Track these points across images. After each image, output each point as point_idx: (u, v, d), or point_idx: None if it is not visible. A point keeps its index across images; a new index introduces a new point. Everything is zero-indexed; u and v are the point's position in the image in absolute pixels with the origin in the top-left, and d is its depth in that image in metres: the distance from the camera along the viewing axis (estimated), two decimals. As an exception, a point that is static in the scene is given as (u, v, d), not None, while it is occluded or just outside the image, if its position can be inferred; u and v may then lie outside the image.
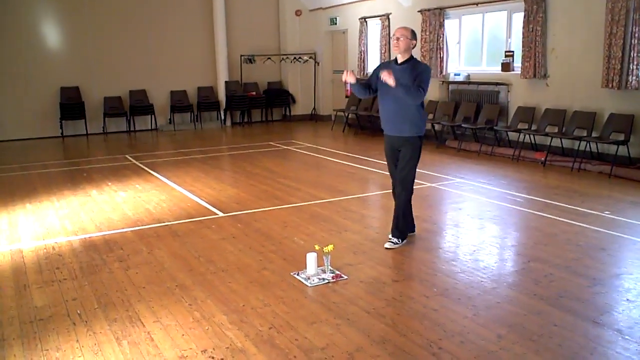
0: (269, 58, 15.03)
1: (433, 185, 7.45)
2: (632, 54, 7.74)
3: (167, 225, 5.89)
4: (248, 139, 12.35)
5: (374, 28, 13.16)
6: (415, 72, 4.83)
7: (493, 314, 3.72)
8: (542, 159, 8.72)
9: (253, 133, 13.41)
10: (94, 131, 13.32)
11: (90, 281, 4.40)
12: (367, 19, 13.15)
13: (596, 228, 5.48)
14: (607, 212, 5.98)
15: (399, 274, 4.52)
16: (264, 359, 3.19)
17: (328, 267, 4.41)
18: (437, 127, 10.96)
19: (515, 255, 4.95)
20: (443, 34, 10.92)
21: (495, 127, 9.68)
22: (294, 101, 15.49)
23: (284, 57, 15.21)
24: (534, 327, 3.51)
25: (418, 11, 11.38)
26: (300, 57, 15.14)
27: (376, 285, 4.24)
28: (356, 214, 6.21)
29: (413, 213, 5.29)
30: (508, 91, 9.82)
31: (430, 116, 10.84)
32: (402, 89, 4.70)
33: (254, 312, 3.79)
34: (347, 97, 13.75)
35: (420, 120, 4.94)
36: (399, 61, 4.96)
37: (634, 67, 7.74)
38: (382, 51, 12.57)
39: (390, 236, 5.11)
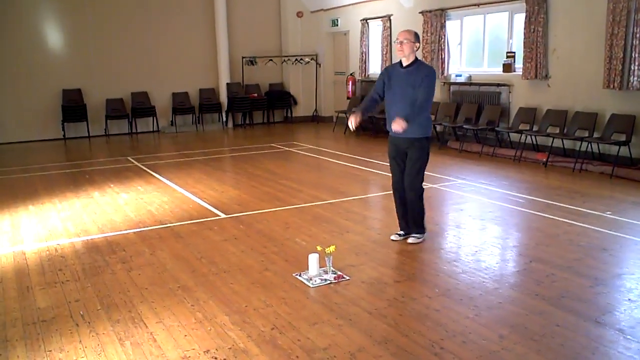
0: (271, 60, 15.06)
1: (435, 186, 7.46)
2: (633, 54, 7.74)
3: (169, 226, 5.90)
4: (250, 141, 12.37)
5: (376, 29, 13.18)
6: (420, 75, 4.88)
7: (495, 314, 3.72)
8: (544, 159, 8.72)
9: (255, 135, 13.43)
10: (96, 133, 13.35)
11: (93, 282, 4.42)
12: (368, 20, 13.17)
13: (598, 228, 5.48)
14: (608, 213, 5.98)
15: (401, 275, 4.52)
16: (266, 359, 3.20)
17: (330, 268, 4.42)
18: (438, 128, 10.96)
19: (517, 256, 4.95)
20: (444, 35, 10.93)
21: (496, 128, 9.69)
22: (295, 103, 15.51)
23: (286, 58, 15.23)
24: (536, 327, 3.51)
25: (419, 12, 11.40)
26: (301, 59, 15.16)
27: (378, 285, 4.24)
28: (358, 215, 6.22)
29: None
30: (509, 92, 9.83)
31: (432, 117, 10.85)
32: (413, 113, 4.83)
33: (256, 312, 3.80)
34: (348, 98, 13.77)
35: (426, 121, 5.01)
36: (404, 64, 4.99)
37: (635, 67, 7.74)
38: (384, 52, 12.58)
39: (411, 233, 5.24)
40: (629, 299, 3.91)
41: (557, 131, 8.77)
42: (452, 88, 10.97)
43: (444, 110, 10.86)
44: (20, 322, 3.76)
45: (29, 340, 3.51)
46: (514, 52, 9.80)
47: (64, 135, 13.01)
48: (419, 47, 5.00)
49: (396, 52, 5.05)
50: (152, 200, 7.05)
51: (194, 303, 3.98)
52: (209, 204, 6.79)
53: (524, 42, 9.28)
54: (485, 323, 3.59)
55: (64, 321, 3.75)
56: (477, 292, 4.06)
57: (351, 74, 13.88)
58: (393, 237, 5.28)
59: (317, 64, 15.29)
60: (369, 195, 7.35)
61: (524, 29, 9.26)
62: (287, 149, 11.00)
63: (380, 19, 12.68)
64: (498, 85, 9.99)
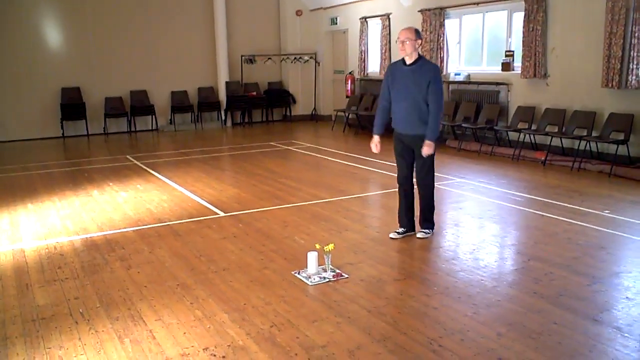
0: (270, 58, 15.05)
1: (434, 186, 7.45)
2: (632, 53, 7.76)
3: (168, 224, 5.91)
4: (248, 139, 12.37)
5: (375, 28, 13.18)
6: (426, 76, 4.91)
7: (493, 312, 3.74)
8: (542, 158, 8.73)
9: (253, 133, 13.43)
10: (95, 132, 13.35)
11: (92, 280, 4.42)
12: (367, 19, 13.17)
13: (596, 227, 5.50)
14: (607, 211, 5.99)
15: (400, 273, 4.53)
16: (265, 356, 3.21)
17: (329, 266, 4.43)
18: (437, 126, 10.96)
19: (515, 254, 4.97)
20: (443, 34, 10.94)
21: (495, 127, 9.70)
22: (294, 101, 15.51)
23: (285, 57, 15.23)
24: (534, 325, 3.53)
25: (418, 11, 11.40)
26: (300, 57, 15.16)
27: (377, 284, 4.25)
28: (357, 214, 6.23)
29: (414, 212, 5.36)
30: (508, 91, 9.84)
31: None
32: (435, 125, 4.96)
33: (255, 310, 3.81)
34: (347, 97, 13.77)
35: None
36: (407, 62, 5.00)
37: (634, 66, 7.76)
38: (383, 51, 12.59)
39: (420, 228, 5.31)
40: (627, 297, 3.92)
41: (556, 130, 8.78)
42: (451, 87, 10.98)
43: (443, 109, 10.85)
44: (20, 319, 3.77)
45: (28, 337, 3.52)
46: (513, 51, 9.81)
47: (63, 134, 13.01)
48: (421, 44, 5.01)
49: (398, 51, 5.06)
50: (151, 198, 7.06)
51: (193, 301, 3.99)
52: (208, 202, 6.79)
53: (523, 41, 9.29)
54: (483, 321, 3.60)
55: (63, 319, 3.76)
56: (475, 290, 4.08)
57: (350, 73, 13.88)
58: (392, 235, 5.28)
59: (316, 62, 15.30)
60: (367, 194, 7.36)
61: (523, 27, 9.27)
62: (286, 147, 11.01)
63: (380, 17, 12.69)
64: (497, 84, 10.00)
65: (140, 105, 13.64)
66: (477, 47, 10.80)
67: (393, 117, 5.18)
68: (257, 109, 15.12)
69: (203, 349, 3.31)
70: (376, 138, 5.24)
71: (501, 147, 9.66)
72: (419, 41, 4.96)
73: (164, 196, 7.15)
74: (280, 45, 15.44)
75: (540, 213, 6.05)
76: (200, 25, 14.37)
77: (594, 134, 8.29)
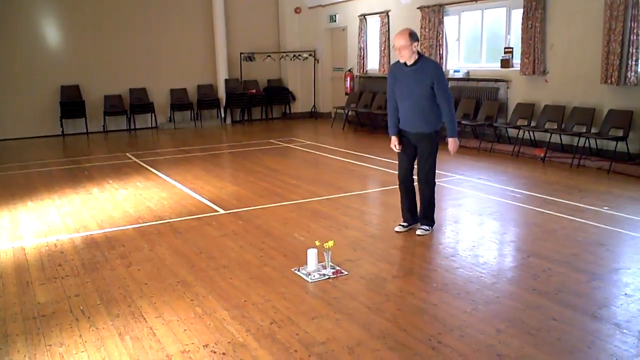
0: (269, 56, 15.05)
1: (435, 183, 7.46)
2: (630, 49, 7.76)
3: (168, 222, 5.92)
4: (248, 137, 12.37)
5: (374, 25, 13.17)
6: (428, 75, 4.93)
7: (492, 309, 3.75)
8: (542, 155, 8.74)
9: (253, 131, 13.43)
10: (94, 129, 13.35)
11: (93, 278, 4.43)
12: (366, 16, 13.16)
13: (595, 223, 5.51)
14: (606, 208, 6.00)
15: (399, 270, 4.55)
16: (265, 353, 3.22)
17: (328, 263, 4.44)
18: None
19: (514, 251, 4.98)
20: (442, 31, 10.94)
21: (494, 124, 9.71)
22: (293, 99, 15.51)
23: (284, 54, 15.22)
24: (533, 321, 3.54)
25: (417, 8, 11.40)
26: (300, 55, 15.16)
27: (376, 280, 4.27)
28: (356, 211, 6.24)
29: (417, 206, 5.42)
30: (507, 87, 9.84)
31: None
32: (453, 123, 5.10)
33: (255, 307, 3.82)
34: (346, 94, 13.77)
35: (435, 117, 5.10)
36: (408, 64, 5.00)
37: (633, 63, 7.76)
38: (382, 48, 12.59)
39: (420, 225, 5.33)
40: (626, 294, 3.93)
41: (555, 127, 8.79)
42: (450, 84, 10.96)
43: (453, 103, 10.85)
44: (21, 316, 3.78)
45: (29, 334, 3.53)
46: (512, 48, 9.81)
47: (62, 132, 13.01)
48: (418, 44, 5.00)
49: (398, 57, 5.06)
50: (151, 196, 7.07)
51: (193, 298, 4.00)
52: (207, 199, 6.80)
53: (522, 38, 9.29)
54: (482, 317, 3.61)
55: (63, 316, 3.77)
56: (474, 287, 4.09)
57: (349, 70, 13.88)
58: (397, 229, 5.35)
59: (315, 60, 15.29)
60: (367, 191, 7.37)
61: (522, 24, 9.27)
62: (285, 145, 11.01)
63: (378, 14, 12.68)
64: (496, 80, 10.00)
65: (140, 103, 13.63)
66: (476, 44, 10.80)
67: (400, 118, 5.23)
68: (256, 107, 15.12)
69: (203, 346, 3.32)
70: (394, 139, 5.26)
71: (500, 144, 9.67)
72: (416, 43, 4.95)
73: (164, 194, 7.16)
74: (279, 42, 15.44)
75: (540, 210, 6.06)
76: (199, 23, 14.36)
77: (593, 130, 8.30)
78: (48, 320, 3.72)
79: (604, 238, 5.13)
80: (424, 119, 5.05)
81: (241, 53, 14.76)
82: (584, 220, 5.61)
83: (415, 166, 5.29)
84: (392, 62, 12.06)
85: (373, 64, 13.31)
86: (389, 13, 12.36)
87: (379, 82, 12.61)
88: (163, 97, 14.14)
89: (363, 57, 13.39)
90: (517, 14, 9.56)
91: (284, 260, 4.70)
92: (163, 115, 14.17)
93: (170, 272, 4.51)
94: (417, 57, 4.99)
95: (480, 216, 5.95)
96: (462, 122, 10.11)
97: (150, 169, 8.82)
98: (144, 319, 3.69)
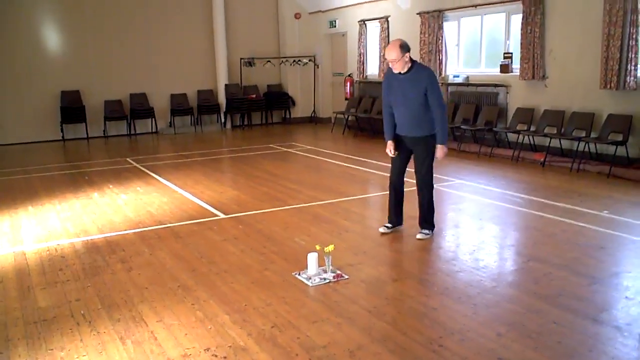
0: (269, 61, 15.09)
1: (433, 186, 7.46)
2: (629, 54, 7.79)
3: (168, 226, 5.93)
4: (248, 142, 12.39)
5: (373, 30, 13.21)
6: (422, 82, 4.94)
7: (493, 313, 3.75)
8: (542, 159, 8.76)
9: (253, 136, 13.45)
10: (95, 135, 13.37)
11: (93, 282, 4.44)
12: (366, 22, 13.21)
13: (595, 227, 5.52)
14: (605, 212, 6.01)
15: (400, 274, 4.55)
16: (266, 357, 3.23)
17: (329, 267, 4.45)
18: (436, 128, 10.98)
19: (514, 255, 4.98)
20: (442, 36, 10.97)
21: (494, 129, 9.73)
22: (293, 104, 15.54)
23: (284, 59, 15.26)
24: (533, 325, 3.54)
25: (417, 13, 11.44)
26: (299, 60, 15.20)
27: (377, 284, 4.27)
28: (357, 215, 6.25)
29: (403, 208, 5.49)
30: (507, 92, 9.87)
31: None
32: (444, 130, 5.07)
33: (256, 311, 3.82)
34: (346, 99, 13.80)
35: (430, 122, 5.11)
36: (402, 72, 5.02)
37: (632, 67, 7.79)
38: (381, 53, 12.61)
39: (420, 229, 5.34)
40: (626, 297, 3.94)
41: (555, 131, 8.81)
42: (449, 89, 11.01)
43: (446, 110, 10.86)
44: (22, 321, 3.79)
45: (30, 339, 3.53)
46: (511, 53, 9.84)
47: (62, 137, 13.03)
48: (410, 54, 4.99)
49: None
50: (151, 200, 7.07)
51: (194, 302, 4.01)
52: (208, 204, 6.81)
53: (521, 43, 9.32)
54: (483, 321, 3.62)
55: (64, 320, 3.77)
56: (475, 291, 4.09)
57: (349, 75, 13.91)
58: (382, 230, 5.42)
59: (315, 65, 15.33)
60: (367, 195, 7.38)
61: (521, 30, 9.31)
62: (285, 149, 11.03)
63: (378, 20, 12.72)
64: (495, 85, 10.03)
65: (140, 108, 13.66)
66: (476, 49, 10.83)
67: (397, 122, 5.27)
68: (256, 112, 15.14)
69: (204, 350, 3.32)
70: (390, 143, 5.29)
71: (500, 149, 9.69)
72: (408, 54, 4.95)
73: (164, 198, 7.17)
74: (279, 47, 15.48)
75: (540, 214, 6.07)
76: (199, 29, 14.41)
77: (592, 135, 8.32)
78: (49, 324, 3.72)
79: (604, 242, 5.13)
80: (418, 124, 5.09)
81: (241, 58, 14.80)
82: (584, 224, 5.62)
83: (410, 170, 5.33)
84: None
85: (373, 69, 13.35)
86: (389, 18, 12.40)
87: (378, 87, 12.57)
88: (163, 102, 14.16)
89: (363, 62, 13.42)
90: (517, 20, 9.59)
91: (285, 265, 4.70)
92: (163, 120, 14.19)
93: (171, 277, 4.51)
94: (410, 65, 5.00)
95: (480, 220, 5.96)
96: (462, 127, 10.13)
97: (151, 173, 8.84)
98: (145, 323, 3.70)
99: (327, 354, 3.24)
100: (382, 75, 12.46)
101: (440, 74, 11.06)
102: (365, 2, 13.15)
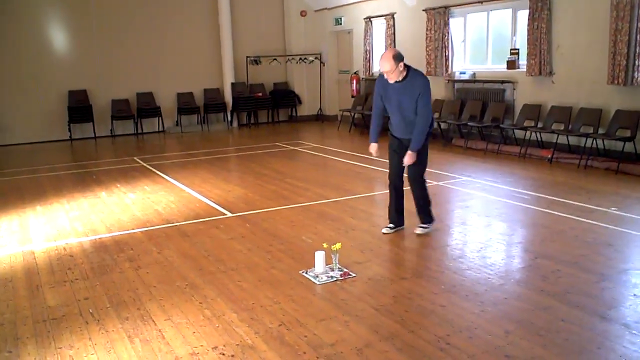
0: (275, 59, 15.09)
1: (440, 183, 7.47)
2: (637, 49, 7.74)
3: (176, 225, 5.95)
4: (255, 140, 12.41)
5: (379, 28, 13.19)
6: (416, 90, 4.94)
7: (500, 310, 3.74)
8: (549, 156, 8.72)
9: (260, 134, 13.47)
10: (102, 134, 13.42)
11: (102, 281, 4.46)
12: (372, 19, 13.18)
13: (603, 224, 5.49)
14: (614, 209, 5.98)
15: (407, 272, 4.55)
16: (274, 355, 3.24)
17: (336, 265, 4.45)
18: (443, 125, 10.98)
19: (522, 252, 4.97)
20: (448, 33, 10.94)
21: (501, 125, 9.69)
22: (300, 102, 15.54)
23: (290, 57, 15.26)
24: (542, 322, 3.53)
25: (423, 10, 11.41)
26: (305, 58, 15.19)
27: (384, 282, 4.27)
28: (363, 213, 6.25)
29: (404, 208, 5.47)
30: (514, 89, 9.83)
31: (436, 115, 10.87)
32: (420, 138, 5.00)
33: (263, 309, 3.83)
34: (353, 97, 13.78)
35: None
36: (398, 80, 5.01)
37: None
38: (388, 51, 12.57)
39: (419, 224, 5.36)
40: (635, 294, 3.92)
41: (562, 128, 8.77)
42: (456, 85, 10.98)
43: (449, 108, 10.87)
44: (31, 320, 3.81)
45: (39, 337, 3.56)
46: (518, 49, 9.79)
47: (70, 136, 13.09)
48: (404, 63, 4.95)
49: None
50: (159, 199, 7.10)
51: (202, 300, 4.02)
52: (215, 202, 6.83)
53: (528, 39, 9.28)
54: (491, 318, 3.61)
55: (73, 319, 3.80)
56: (482, 288, 4.09)
57: (355, 73, 13.90)
58: (384, 231, 5.41)
59: (321, 62, 15.32)
60: (374, 193, 7.37)
61: (528, 25, 9.26)
62: (292, 147, 11.04)
63: (384, 17, 12.69)
64: (502, 82, 9.99)
65: (147, 107, 13.70)
66: (482, 45, 10.79)
67: (390, 123, 5.30)
68: (262, 110, 15.16)
69: (212, 348, 3.33)
70: (374, 145, 5.35)
71: (507, 145, 9.65)
72: (402, 63, 4.92)
73: (172, 197, 7.19)
74: (285, 46, 15.48)
75: (547, 211, 6.05)
76: (205, 27, 14.42)
77: (600, 131, 8.28)
78: (58, 323, 3.75)
79: (612, 239, 5.11)
80: (412, 129, 5.07)
81: (247, 56, 14.81)
82: (592, 221, 5.59)
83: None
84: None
85: (379, 67, 13.29)
86: (395, 15, 12.37)
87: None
88: (170, 101, 14.20)
89: (369, 60, 13.40)
90: (523, 15, 9.55)
91: (292, 263, 4.71)
92: (170, 119, 14.22)
93: (179, 275, 4.53)
94: (405, 73, 4.98)
95: (487, 217, 5.94)
96: (469, 123, 10.11)
97: (158, 172, 8.87)
98: (153, 321, 3.71)
99: (334, 352, 3.24)
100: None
101: (447, 70, 11.03)
102: (371, 0, 13.12)
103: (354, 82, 13.72)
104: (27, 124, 12.84)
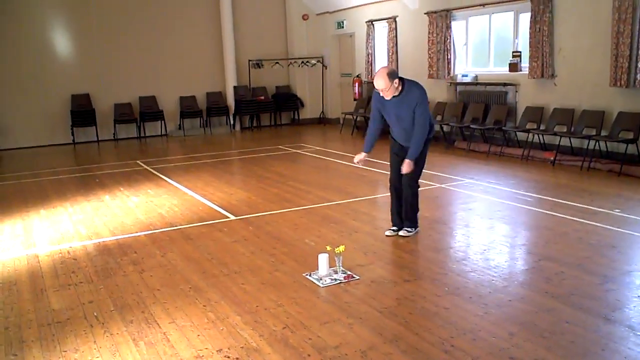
0: (277, 62, 15.12)
1: (443, 186, 7.48)
2: (639, 52, 7.73)
3: (179, 228, 5.96)
4: (257, 143, 12.42)
5: (381, 31, 13.21)
6: (413, 102, 4.96)
7: (504, 312, 3.74)
8: (552, 158, 8.72)
9: (262, 137, 13.49)
10: (105, 138, 13.46)
11: (106, 284, 4.47)
12: (374, 22, 13.20)
13: (606, 226, 5.49)
14: (617, 210, 5.98)
15: (410, 274, 4.55)
16: (278, 357, 3.24)
17: (340, 268, 4.45)
18: (445, 128, 10.98)
19: (525, 254, 4.97)
20: (450, 36, 10.95)
21: (503, 128, 9.70)
22: (302, 105, 15.56)
23: (292, 61, 15.29)
24: (546, 324, 3.53)
25: (425, 13, 11.42)
26: (308, 61, 15.22)
27: (388, 285, 4.28)
28: (366, 216, 6.25)
29: (420, 212, 5.46)
30: (516, 91, 9.83)
31: (439, 117, 10.89)
32: (417, 147, 5.04)
33: (267, 312, 3.84)
34: (355, 100, 13.80)
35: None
36: (394, 95, 5.02)
37: (642, 65, 7.74)
38: (390, 54, 12.62)
39: (404, 227, 5.39)
40: (638, 296, 3.92)
41: (565, 130, 8.77)
42: (458, 88, 10.99)
43: (451, 111, 10.88)
44: (35, 323, 3.82)
45: (44, 341, 3.57)
46: (520, 52, 9.80)
47: (73, 140, 13.13)
48: (398, 80, 4.95)
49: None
50: (162, 203, 7.11)
51: (206, 303, 4.03)
52: (218, 206, 6.84)
53: (530, 42, 9.29)
54: (494, 321, 3.61)
55: (78, 322, 3.80)
56: (486, 291, 4.09)
57: (357, 76, 13.91)
58: (387, 233, 5.43)
59: (323, 66, 15.34)
60: (376, 196, 7.37)
61: (530, 28, 9.27)
62: (294, 151, 11.05)
63: (386, 20, 12.71)
64: (504, 84, 10.00)
65: (150, 110, 13.74)
66: (484, 48, 10.81)
67: (390, 131, 5.35)
68: (265, 113, 15.19)
69: (217, 351, 3.34)
70: (363, 155, 5.38)
71: (510, 148, 9.66)
72: (396, 80, 4.93)
73: (175, 200, 7.21)
74: (287, 49, 15.51)
75: (551, 213, 6.04)
76: (207, 31, 14.46)
77: (602, 133, 8.27)
78: (63, 326, 3.76)
79: (615, 240, 5.11)
80: (411, 138, 5.12)
81: (249, 60, 14.84)
82: (595, 223, 5.59)
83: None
84: (399, 67, 12.10)
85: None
86: (397, 19, 12.39)
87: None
88: (172, 104, 14.23)
89: (371, 63, 13.42)
90: (525, 18, 9.55)
91: (295, 266, 4.71)
92: (172, 122, 14.26)
93: (183, 278, 4.54)
94: (400, 87, 4.99)
95: (490, 220, 5.95)
96: (471, 126, 10.11)
97: (161, 176, 8.88)
98: (158, 324, 3.72)
99: (338, 354, 3.25)
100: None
101: (449, 73, 11.04)
102: (373, 3, 13.14)
103: (356, 85, 13.73)
104: (30, 128, 12.89)
